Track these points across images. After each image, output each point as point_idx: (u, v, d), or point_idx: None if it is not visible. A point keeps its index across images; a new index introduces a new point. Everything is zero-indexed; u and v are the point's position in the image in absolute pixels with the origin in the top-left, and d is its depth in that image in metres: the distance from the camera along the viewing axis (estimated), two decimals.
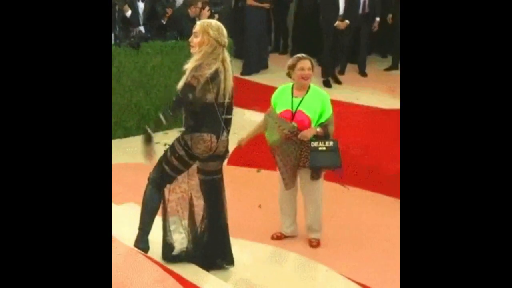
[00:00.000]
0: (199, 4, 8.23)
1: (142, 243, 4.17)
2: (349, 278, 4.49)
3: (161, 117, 3.91)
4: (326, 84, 9.04)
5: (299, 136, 4.62)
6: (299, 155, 4.68)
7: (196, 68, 3.87)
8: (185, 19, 8.08)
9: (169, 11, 8.08)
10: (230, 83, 4.01)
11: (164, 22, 8.01)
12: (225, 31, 4.02)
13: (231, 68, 4.05)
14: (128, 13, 7.63)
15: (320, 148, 4.64)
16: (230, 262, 4.34)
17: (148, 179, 4.18)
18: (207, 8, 8.20)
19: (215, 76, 3.91)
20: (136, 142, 7.04)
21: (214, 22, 4.08)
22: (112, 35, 7.24)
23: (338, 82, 9.33)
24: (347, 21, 9.00)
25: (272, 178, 5.75)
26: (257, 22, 9.80)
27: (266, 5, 9.91)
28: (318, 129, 4.66)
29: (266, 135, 4.84)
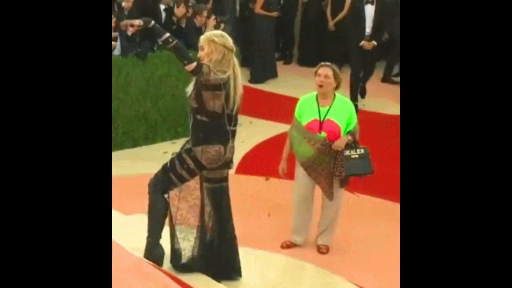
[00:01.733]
0: (205, 14, 8.25)
1: (152, 253, 4.16)
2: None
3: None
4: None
5: (333, 147, 4.64)
6: (334, 164, 4.68)
7: (205, 73, 3.88)
8: (192, 29, 8.11)
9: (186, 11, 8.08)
10: (240, 91, 4.02)
11: (183, 25, 8.02)
12: (229, 37, 4.02)
13: (240, 75, 4.05)
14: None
15: (352, 156, 4.68)
16: (238, 272, 4.31)
17: (149, 185, 4.18)
18: (213, 17, 8.22)
19: (226, 82, 3.93)
20: (144, 152, 7.15)
21: (217, 31, 4.11)
22: (119, 45, 7.27)
23: (362, 95, 9.04)
24: (374, 42, 8.51)
25: (281, 186, 5.75)
26: (265, 31, 9.82)
27: (274, 14, 9.93)
28: (349, 137, 4.69)
29: (294, 151, 4.82)
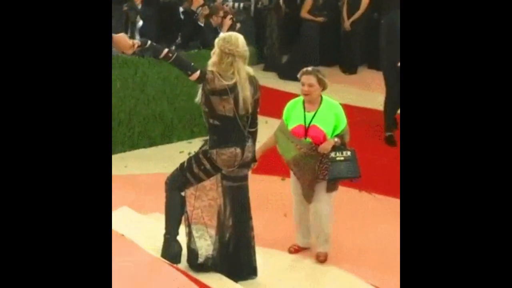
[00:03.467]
0: (221, 14, 8.25)
1: (169, 250, 4.16)
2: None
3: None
4: (390, 142, 7.36)
5: (319, 149, 4.53)
6: (318, 167, 4.58)
7: (209, 79, 3.91)
8: (207, 28, 8.10)
9: (205, 10, 8.06)
10: (248, 94, 3.99)
11: (202, 24, 8.01)
12: (237, 41, 3.99)
13: (246, 78, 4.00)
14: (140, 23, 7.63)
15: (338, 159, 4.54)
16: (254, 272, 4.31)
17: (166, 183, 4.20)
18: (229, 17, 8.21)
19: (233, 87, 3.92)
20: (160, 151, 7.17)
21: (227, 33, 4.15)
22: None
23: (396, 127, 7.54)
24: None
25: None
26: (308, 36, 9.77)
27: (320, 19, 9.86)
28: (335, 139, 4.57)
29: (280, 151, 4.75)
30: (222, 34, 4.21)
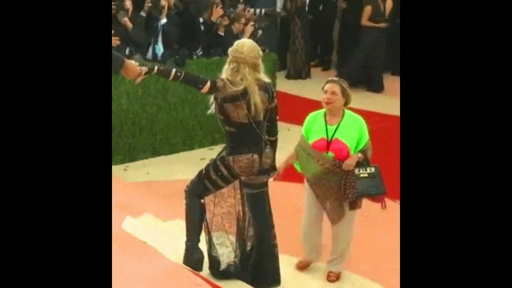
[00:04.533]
0: (243, 21, 8.25)
1: (191, 257, 4.15)
2: None
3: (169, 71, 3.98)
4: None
5: (343, 166, 4.35)
6: (344, 185, 4.37)
7: (221, 87, 3.93)
8: (230, 36, 8.11)
9: (225, 20, 8.06)
10: (258, 99, 3.96)
11: (222, 34, 8.01)
12: (242, 47, 4.00)
13: (257, 85, 3.98)
14: (163, 21, 7.57)
15: (362, 175, 4.38)
16: (277, 281, 4.27)
17: (185, 191, 4.20)
18: (250, 23, 8.21)
19: (244, 93, 3.93)
20: (182, 158, 7.18)
21: (240, 41, 4.15)
22: (151, 50, 7.30)
23: None
24: None
25: None
26: (369, 43, 9.78)
27: (382, 25, 9.85)
28: (359, 155, 4.40)
29: (299, 168, 4.60)
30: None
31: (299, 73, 10.57)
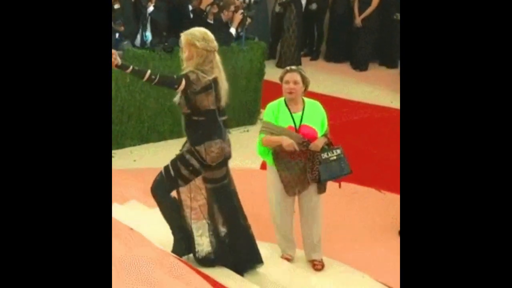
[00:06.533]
0: (232, 8, 8.21)
1: (178, 248, 4.21)
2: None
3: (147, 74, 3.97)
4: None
5: (310, 146, 4.39)
6: (310, 169, 4.43)
7: (195, 80, 3.91)
8: (219, 24, 8.08)
9: (214, 8, 8.01)
10: (225, 85, 4.03)
11: (211, 22, 7.97)
12: (211, 36, 4.00)
13: (224, 72, 4.03)
14: (150, 9, 7.52)
15: (331, 159, 4.45)
16: (257, 260, 4.30)
17: (152, 191, 4.17)
18: (239, 11, 8.18)
19: (215, 81, 3.97)
20: (170, 146, 7.16)
21: (197, 30, 4.07)
22: (140, 37, 7.26)
23: None
24: None
25: None
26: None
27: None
28: (325, 139, 4.49)
29: (260, 153, 4.61)
30: (188, 33, 4.08)
31: (291, 62, 10.55)
